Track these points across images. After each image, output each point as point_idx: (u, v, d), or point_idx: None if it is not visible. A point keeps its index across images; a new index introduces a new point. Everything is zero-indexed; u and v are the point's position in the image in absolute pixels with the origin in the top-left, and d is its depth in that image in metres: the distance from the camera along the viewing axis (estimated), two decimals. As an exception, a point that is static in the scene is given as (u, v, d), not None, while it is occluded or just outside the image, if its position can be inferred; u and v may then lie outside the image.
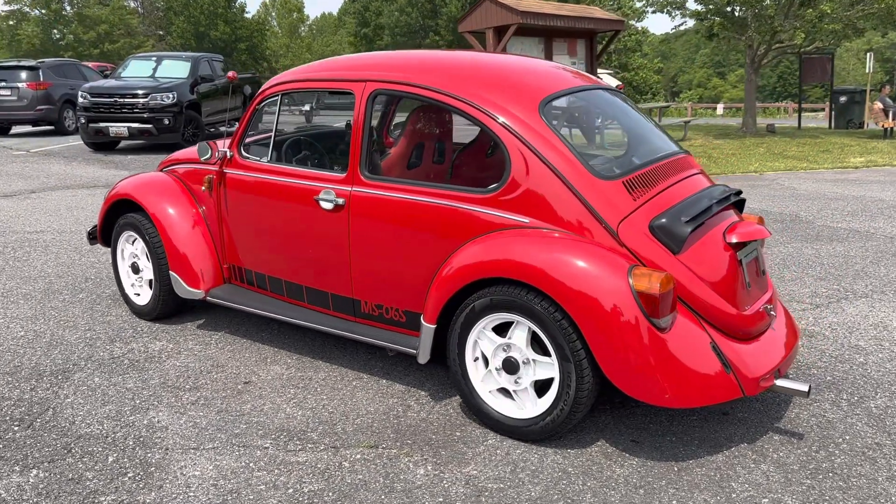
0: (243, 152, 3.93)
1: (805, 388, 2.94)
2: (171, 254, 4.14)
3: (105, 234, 4.61)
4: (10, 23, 45.32)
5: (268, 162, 3.81)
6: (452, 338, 3.16)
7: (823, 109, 23.91)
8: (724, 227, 3.13)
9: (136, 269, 4.44)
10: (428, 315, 3.19)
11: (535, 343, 3.00)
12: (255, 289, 4.02)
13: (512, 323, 3.02)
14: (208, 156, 3.95)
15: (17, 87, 16.32)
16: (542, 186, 3.03)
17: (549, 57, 13.25)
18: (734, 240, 3.09)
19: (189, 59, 14.59)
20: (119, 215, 4.48)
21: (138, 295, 4.48)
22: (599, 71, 22.71)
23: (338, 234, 3.49)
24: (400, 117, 4.42)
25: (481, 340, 3.12)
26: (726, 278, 3.03)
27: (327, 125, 4.97)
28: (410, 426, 3.20)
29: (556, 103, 3.28)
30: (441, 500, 2.68)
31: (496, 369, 3.09)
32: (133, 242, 4.42)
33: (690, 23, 17.91)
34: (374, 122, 3.52)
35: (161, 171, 4.55)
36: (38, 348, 4.04)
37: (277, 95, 3.82)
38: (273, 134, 3.84)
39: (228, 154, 3.96)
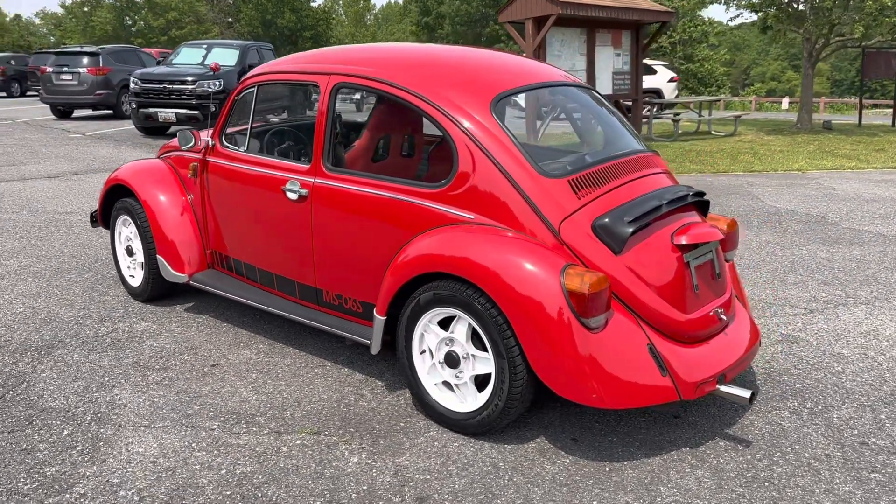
0: (224, 142, 4.04)
1: (746, 395, 2.89)
2: (159, 238, 4.29)
3: (105, 217, 4.80)
4: (85, 9, 47.05)
5: (244, 151, 3.92)
6: (400, 330, 3.21)
7: (892, 106, 22.94)
8: (673, 228, 3.09)
9: (130, 251, 4.62)
10: (379, 307, 3.24)
11: (477, 338, 3.02)
12: (234, 275, 4.14)
13: (455, 317, 3.05)
14: (190, 144, 4.08)
15: (79, 73, 16.99)
16: (488, 183, 3.04)
17: (591, 49, 13.09)
18: (682, 241, 3.04)
19: (238, 47, 14.94)
20: (118, 199, 4.66)
21: (132, 277, 4.66)
22: (653, 63, 22.29)
23: (302, 224, 3.57)
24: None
25: (427, 334, 3.15)
26: (669, 280, 2.98)
27: (310, 117, 5.05)
28: (358, 415, 3.27)
29: (512, 99, 3.27)
30: (365, 487, 2.74)
31: (439, 363, 3.13)
32: (128, 226, 4.59)
33: (748, 15, 17.37)
34: (339, 115, 3.57)
35: (159, 157, 4.71)
36: (31, 324, 4.25)
37: (254, 87, 3.92)
38: (250, 124, 3.94)
39: (210, 143, 4.08)
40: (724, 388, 2.94)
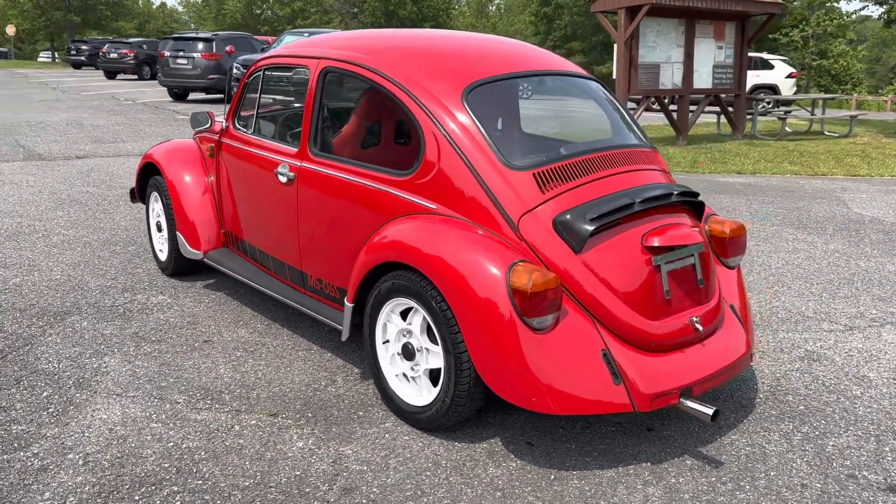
0: (237, 124, 4.13)
1: (709, 412, 2.67)
2: (179, 216, 4.44)
3: (142, 193, 5.01)
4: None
5: (251, 134, 3.99)
6: (365, 318, 3.17)
7: None
8: (647, 228, 2.88)
9: (159, 227, 4.80)
10: (349, 294, 3.22)
11: (432, 331, 2.94)
12: (241, 255, 4.23)
13: (413, 308, 2.98)
14: (204, 126, 4.19)
15: (193, 57, 17.89)
16: (451, 173, 2.94)
17: (689, 41, 12.52)
18: (654, 243, 2.84)
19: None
20: (152, 176, 4.86)
21: (161, 251, 4.85)
22: (771, 58, 21.09)
23: (290, 207, 3.60)
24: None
25: (389, 324, 3.11)
26: (634, 284, 2.79)
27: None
28: (322, 400, 3.26)
29: (491, 87, 3.15)
30: (299, 473, 2.72)
31: (398, 354, 3.08)
32: (158, 202, 4.78)
33: (874, 8, 16.11)
34: (328, 99, 3.55)
35: (193, 137, 4.87)
36: (60, 291, 4.50)
37: (260, 71, 3.97)
38: (256, 107, 4.00)
39: (224, 125, 4.18)
40: (687, 403, 2.73)
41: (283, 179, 3.59)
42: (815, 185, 9.07)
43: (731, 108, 13.97)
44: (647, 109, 14.96)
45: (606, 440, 2.99)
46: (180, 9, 75.03)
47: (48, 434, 2.93)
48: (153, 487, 2.61)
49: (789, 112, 15.65)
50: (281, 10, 48.20)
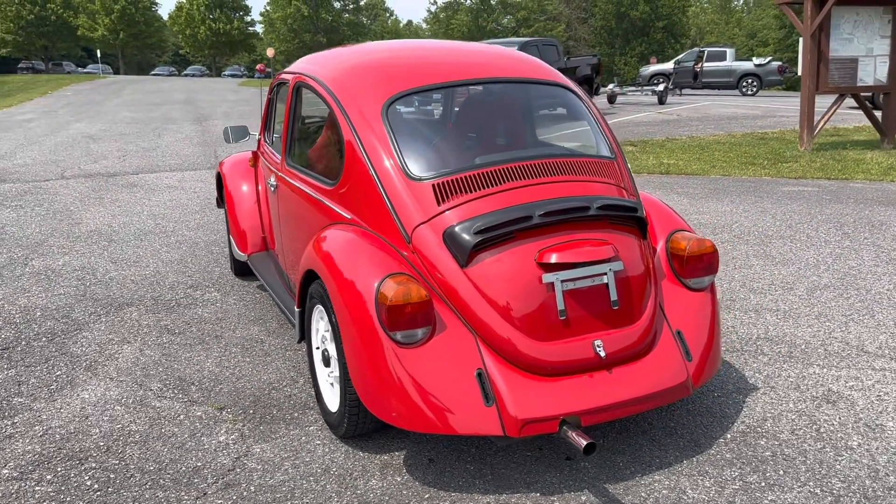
0: (266, 137, 4.43)
1: (582, 444, 2.45)
2: (231, 221, 4.85)
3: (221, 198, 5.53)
4: (447, 13, 51.83)
5: (269, 146, 4.26)
6: (305, 323, 3.29)
7: None
8: (547, 244, 2.69)
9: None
10: (296, 298, 3.36)
11: (344, 339, 2.98)
12: (272, 257, 4.53)
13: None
14: (232, 139, 4.54)
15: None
16: (361, 183, 2.97)
17: None
18: (551, 259, 2.64)
19: (516, 44, 15.39)
20: (225, 184, 5.34)
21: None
22: None
23: (275, 214, 3.82)
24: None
25: (317, 330, 3.20)
26: (520, 302, 2.62)
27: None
28: (271, 399, 3.42)
29: (418, 98, 3.12)
30: (199, 464, 2.90)
31: (321, 360, 3.15)
32: (230, 208, 5.24)
33: None
34: (302, 112, 3.70)
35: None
36: (139, 285, 5.10)
37: (276, 86, 4.23)
38: (272, 121, 4.27)
39: (258, 137, 4.51)
40: (570, 434, 2.52)
41: (271, 188, 3.82)
42: None
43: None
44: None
45: (511, 466, 2.84)
46: (424, 26, 79.47)
47: (35, 407, 3.39)
48: (77, 462, 2.94)
49: None
50: (506, 20, 49.35)
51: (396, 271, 2.67)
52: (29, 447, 3.04)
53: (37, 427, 3.21)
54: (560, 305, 2.64)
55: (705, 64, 26.89)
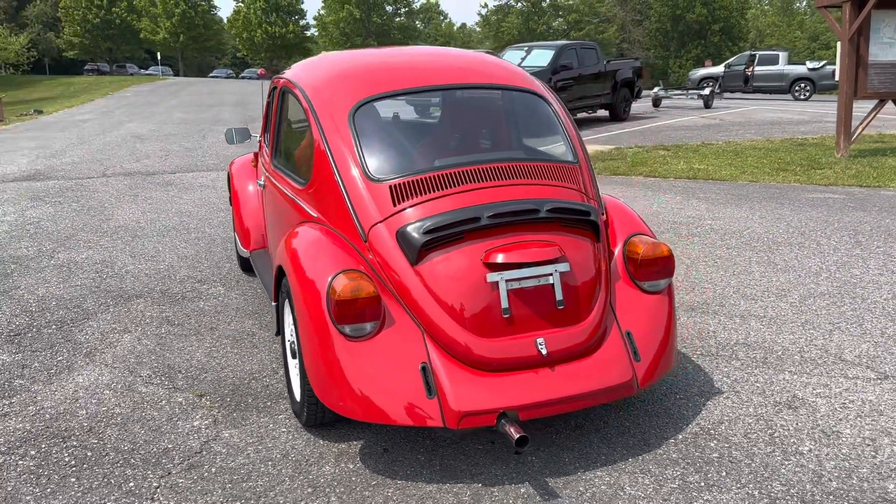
0: (264, 139, 4.62)
1: (515, 436, 2.54)
2: (236, 218, 5.06)
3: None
4: (497, 17, 51.95)
5: (266, 147, 4.45)
6: (280, 317, 3.45)
7: None
8: (495, 244, 2.79)
9: (238, 227, 5.49)
10: (272, 293, 3.52)
11: (309, 332, 3.13)
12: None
13: (298, 309, 3.20)
14: (233, 141, 4.74)
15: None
16: (326, 184, 3.11)
17: (939, 36, 10.69)
18: (496, 259, 2.74)
19: (553, 48, 15.39)
20: (237, 183, 5.56)
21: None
22: None
23: (266, 212, 4.00)
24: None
25: (289, 324, 3.35)
26: (465, 300, 2.73)
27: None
28: (249, 389, 3.58)
29: (387, 103, 3.25)
30: (169, 446, 3.08)
31: (290, 351, 3.31)
32: (240, 206, 5.46)
33: None
34: (286, 115, 3.87)
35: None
36: (151, 278, 5.35)
37: (274, 90, 4.41)
38: (269, 123, 4.44)
39: (258, 138, 4.70)
40: (506, 426, 2.61)
41: (261, 188, 4.00)
42: None
43: None
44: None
45: (462, 457, 2.94)
46: (477, 29, 79.65)
47: (32, 389, 3.63)
48: (60, 440, 3.15)
49: None
50: (556, 23, 49.21)
51: (350, 268, 2.81)
52: (20, 425, 3.27)
53: (31, 407, 3.44)
54: (504, 304, 2.74)
55: (757, 68, 26.36)
